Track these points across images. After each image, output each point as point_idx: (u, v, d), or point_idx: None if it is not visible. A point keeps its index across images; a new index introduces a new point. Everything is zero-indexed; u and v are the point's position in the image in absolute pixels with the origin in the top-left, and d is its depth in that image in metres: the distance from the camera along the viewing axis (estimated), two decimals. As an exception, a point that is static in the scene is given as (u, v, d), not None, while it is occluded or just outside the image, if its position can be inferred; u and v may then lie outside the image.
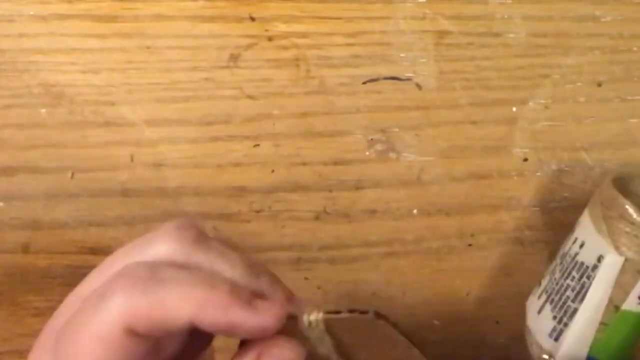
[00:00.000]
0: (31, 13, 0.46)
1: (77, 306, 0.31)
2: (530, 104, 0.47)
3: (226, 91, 0.47)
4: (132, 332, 0.28)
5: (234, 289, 0.29)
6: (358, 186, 0.47)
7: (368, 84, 0.47)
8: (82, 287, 0.32)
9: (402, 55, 0.47)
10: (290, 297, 0.32)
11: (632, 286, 0.39)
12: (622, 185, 0.41)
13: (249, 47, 0.46)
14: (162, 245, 0.31)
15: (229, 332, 0.29)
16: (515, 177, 0.47)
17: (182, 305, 0.28)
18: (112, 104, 0.46)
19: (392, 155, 0.47)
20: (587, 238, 0.40)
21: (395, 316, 0.47)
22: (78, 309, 0.30)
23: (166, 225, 0.31)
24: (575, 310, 0.40)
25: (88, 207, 0.46)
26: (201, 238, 0.31)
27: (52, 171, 0.46)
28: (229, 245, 0.32)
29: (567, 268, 0.41)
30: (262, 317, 0.29)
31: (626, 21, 0.47)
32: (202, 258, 0.30)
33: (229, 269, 0.30)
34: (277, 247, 0.47)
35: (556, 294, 0.41)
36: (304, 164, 0.47)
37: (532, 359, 0.42)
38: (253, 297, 0.30)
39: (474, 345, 0.48)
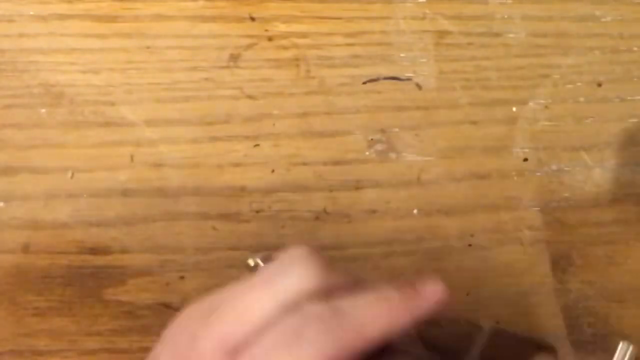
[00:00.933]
0: (31, 13, 0.46)
1: (224, 341, 0.30)
2: (530, 104, 0.47)
3: (226, 91, 0.47)
4: None
5: (396, 291, 0.30)
6: (358, 186, 0.47)
7: (368, 84, 0.47)
8: (220, 320, 0.31)
9: (402, 55, 0.47)
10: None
11: None
12: None
13: (249, 47, 0.46)
14: (303, 276, 0.30)
15: (414, 325, 0.30)
16: (515, 177, 0.47)
17: (374, 324, 0.29)
18: (112, 104, 0.46)
19: (392, 155, 0.47)
20: None
21: (395, 316, 0.47)
22: (262, 347, 0.29)
23: (296, 255, 0.31)
24: None
25: (88, 207, 0.46)
26: (327, 260, 0.31)
27: (52, 171, 0.46)
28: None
29: None
30: (434, 289, 0.30)
31: (626, 21, 0.47)
32: (338, 279, 0.31)
33: (359, 279, 0.31)
34: (277, 247, 0.47)
35: None
36: (304, 164, 0.47)
37: None
38: (409, 288, 0.30)
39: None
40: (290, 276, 0.30)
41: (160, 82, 0.46)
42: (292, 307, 0.30)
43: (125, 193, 0.47)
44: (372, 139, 0.47)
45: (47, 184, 0.46)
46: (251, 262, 0.35)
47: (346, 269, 0.32)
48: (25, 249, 0.46)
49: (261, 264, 0.35)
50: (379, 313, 0.29)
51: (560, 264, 0.47)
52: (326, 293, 0.30)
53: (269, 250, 0.47)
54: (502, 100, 0.47)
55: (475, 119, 0.47)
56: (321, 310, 0.29)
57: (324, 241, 0.47)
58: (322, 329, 0.29)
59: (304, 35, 0.46)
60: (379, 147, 0.47)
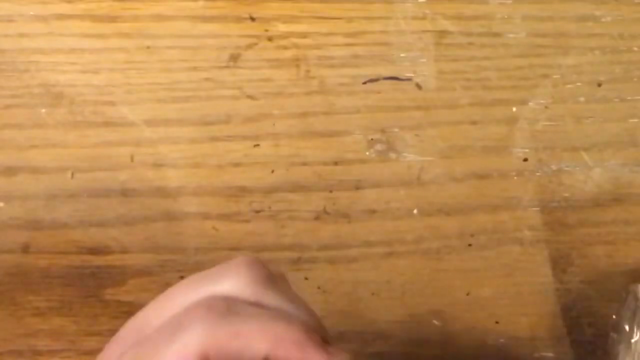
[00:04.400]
0: (31, 13, 0.46)
1: (142, 333, 0.30)
2: (530, 104, 0.47)
3: (226, 91, 0.47)
4: None
5: (309, 328, 0.30)
6: (358, 186, 0.47)
7: (368, 84, 0.47)
8: (144, 314, 0.32)
9: (402, 55, 0.47)
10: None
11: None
12: None
13: (249, 47, 0.46)
14: (232, 282, 0.31)
15: None
16: (515, 177, 0.47)
17: (260, 338, 0.29)
18: (112, 104, 0.46)
19: (392, 155, 0.47)
20: None
21: (395, 316, 0.47)
22: (150, 336, 0.30)
23: (236, 262, 0.31)
24: None
25: (88, 207, 0.46)
26: (271, 279, 0.31)
27: (52, 171, 0.46)
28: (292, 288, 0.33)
29: None
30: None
31: (626, 21, 0.47)
32: (271, 299, 0.31)
33: (297, 312, 0.31)
34: (277, 247, 0.47)
35: None
36: (304, 164, 0.47)
37: None
38: (323, 340, 0.30)
39: (474, 345, 0.48)
40: (224, 281, 0.31)
41: (160, 82, 0.46)
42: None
43: (125, 193, 0.47)
44: (372, 139, 0.47)
45: (47, 184, 0.46)
46: None
47: (290, 293, 0.32)
48: (25, 249, 0.46)
49: None
50: (272, 331, 0.29)
51: (560, 264, 0.47)
52: (238, 301, 0.30)
53: (268, 251, 0.47)
54: (502, 100, 0.47)
55: (475, 119, 0.47)
56: (220, 303, 0.29)
57: (324, 241, 0.47)
58: (209, 314, 0.29)
59: (304, 35, 0.46)
60: (379, 147, 0.47)
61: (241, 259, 0.32)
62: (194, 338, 0.29)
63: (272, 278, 0.31)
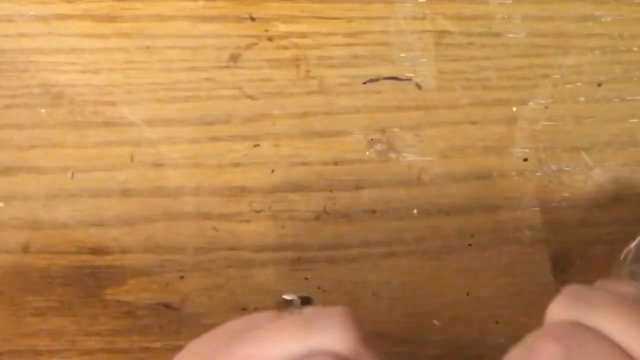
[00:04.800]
0: (31, 13, 0.46)
1: None
2: (530, 104, 0.47)
3: (226, 91, 0.47)
4: None
5: None
6: (358, 186, 0.47)
7: (368, 84, 0.47)
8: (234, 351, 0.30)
9: (402, 55, 0.47)
10: None
11: None
12: None
13: (249, 47, 0.46)
14: (332, 337, 0.29)
15: None
16: (515, 177, 0.47)
17: None
18: (112, 104, 0.46)
19: (392, 155, 0.47)
20: None
21: (395, 316, 0.47)
22: None
23: (339, 314, 0.30)
24: None
25: (88, 207, 0.46)
26: (366, 337, 0.30)
27: (52, 171, 0.46)
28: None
29: None
30: None
31: (626, 21, 0.47)
32: (365, 357, 0.30)
33: None
34: (277, 247, 0.47)
35: None
36: (304, 164, 0.47)
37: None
38: None
39: (474, 345, 0.48)
40: (326, 333, 0.29)
41: (160, 82, 0.46)
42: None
43: (125, 193, 0.47)
44: (372, 139, 0.47)
45: (47, 184, 0.46)
46: (288, 297, 0.35)
47: (377, 351, 0.31)
48: (25, 249, 0.46)
49: (298, 301, 0.34)
50: None
51: (560, 264, 0.47)
52: None
53: (268, 251, 0.47)
54: (502, 100, 0.47)
55: (475, 119, 0.47)
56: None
57: (324, 241, 0.47)
58: None
59: (304, 35, 0.46)
60: (379, 147, 0.47)
61: (342, 311, 0.30)
62: None
63: (366, 336, 0.30)
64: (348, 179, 0.47)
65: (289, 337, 0.30)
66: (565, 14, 0.47)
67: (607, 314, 0.31)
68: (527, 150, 0.47)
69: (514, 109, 0.47)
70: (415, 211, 0.47)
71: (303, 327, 0.30)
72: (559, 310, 0.32)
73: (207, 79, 0.46)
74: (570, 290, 0.32)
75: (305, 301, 0.34)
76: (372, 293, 0.48)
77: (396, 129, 0.47)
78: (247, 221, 0.47)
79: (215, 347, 0.30)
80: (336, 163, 0.47)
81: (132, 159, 0.47)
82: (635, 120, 0.47)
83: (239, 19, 0.46)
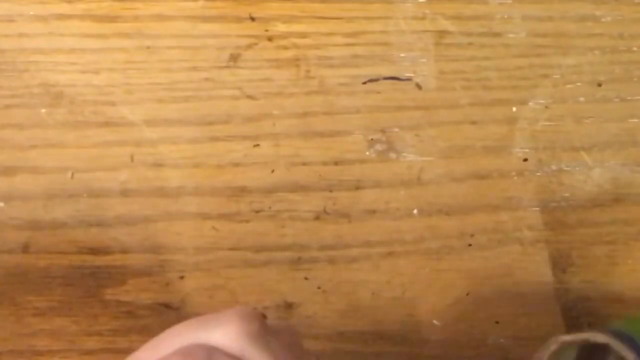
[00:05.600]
0: (31, 13, 0.46)
1: None
2: (530, 104, 0.47)
3: (226, 91, 0.47)
4: None
5: None
6: (358, 186, 0.47)
7: (368, 84, 0.47)
8: (138, 354, 0.33)
9: (402, 55, 0.47)
10: None
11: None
12: None
13: (249, 47, 0.46)
14: (222, 333, 0.31)
15: None
16: (515, 177, 0.47)
17: None
18: (112, 104, 0.46)
19: (392, 155, 0.47)
20: None
21: (395, 316, 0.47)
22: None
23: (230, 312, 0.32)
24: None
25: (88, 207, 0.47)
26: (261, 335, 0.32)
27: (52, 171, 0.46)
28: (288, 345, 0.33)
29: None
30: None
31: (626, 21, 0.47)
32: (252, 354, 0.31)
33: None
34: (277, 247, 0.47)
35: None
36: (304, 164, 0.47)
37: None
38: None
39: (474, 345, 0.48)
40: (213, 330, 0.31)
41: (160, 82, 0.46)
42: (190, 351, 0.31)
43: (125, 193, 0.47)
44: (372, 139, 0.47)
45: (47, 184, 0.46)
46: None
47: (281, 354, 0.32)
48: (25, 249, 0.46)
49: None
50: None
51: (560, 264, 0.47)
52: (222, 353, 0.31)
53: (268, 251, 0.47)
54: (502, 100, 0.47)
55: (475, 119, 0.47)
56: (201, 354, 0.30)
57: (324, 241, 0.47)
58: None
59: (304, 35, 0.46)
60: (379, 147, 0.47)
61: (237, 309, 0.32)
62: None
63: (263, 334, 0.32)
64: (348, 179, 0.47)
65: (181, 337, 0.32)
66: (565, 14, 0.47)
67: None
68: (527, 150, 0.47)
69: (514, 109, 0.47)
70: (415, 211, 0.47)
71: (196, 326, 0.32)
72: None
73: (207, 79, 0.46)
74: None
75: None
76: (372, 293, 0.48)
77: (396, 129, 0.47)
78: (247, 221, 0.47)
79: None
80: (336, 163, 0.47)
81: (132, 159, 0.47)
82: (635, 120, 0.47)
83: (239, 19, 0.46)
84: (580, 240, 0.47)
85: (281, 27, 0.46)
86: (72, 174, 0.47)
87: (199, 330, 0.31)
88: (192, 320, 0.32)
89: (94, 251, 0.47)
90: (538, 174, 0.47)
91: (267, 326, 0.32)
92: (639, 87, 0.47)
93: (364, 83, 0.47)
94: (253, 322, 0.32)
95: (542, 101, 0.47)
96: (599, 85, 0.47)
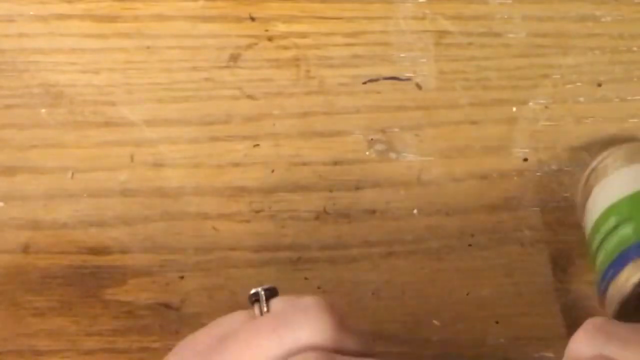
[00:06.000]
0: (31, 13, 0.46)
1: None
2: (530, 104, 0.47)
3: (226, 91, 0.47)
4: None
5: None
6: (358, 186, 0.47)
7: (368, 84, 0.47)
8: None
9: (402, 55, 0.47)
10: None
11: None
12: None
13: (249, 47, 0.46)
14: (312, 330, 0.29)
15: None
16: (515, 177, 0.47)
17: None
18: (112, 104, 0.46)
19: (392, 155, 0.47)
20: None
21: (395, 316, 0.47)
22: None
23: (312, 307, 0.30)
24: None
25: (88, 207, 0.46)
26: (344, 321, 0.30)
27: (52, 171, 0.46)
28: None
29: None
30: None
31: (626, 21, 0.47)
32: (351, 344, 0.29)
33: (372, 350, 0.30)
34: (277, 247, 0.47)
35: None
36: (304, 164, 0.47)
37: None
38: None
39: (474, 345, 0.48)
40: (301, 329, 0.29)
41: (160, 82, 0.46)
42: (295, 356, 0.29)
43: (125, 193, 0.47)
44: (372, 139, 0.47)
45: (47, 184, 0.46)
46: (253, 291, 0.34)
47: (359, 332, 0.31)
48: (25, 249, 0.46)
49: (263, 296, 0.34)
50: None
51: (560, 264, 0.47)
52: (333, 353, 0.29)
53: (268, 251, 0.47)
54: (502, 100, 0.47)
55: (475, 119, 0.47)
56: (317, 358, 0.28)
57: (324, 241, 0.47)
58: None
59: (304, 35, 0.46)
60: (379, 147, 0.47)
61: (315, 301, 0.30)
62: None
63: (344, 320, 0.30)
64: (348, 179, 0.47)
65: (265, 341, 0.29)
66: (565, 14, 0.47)
67: (630, 347, 0.30)
68: (527, 150, 0.47)
69: (514, 109, 0.47)
70: (415, 211, 0.47)
71: (277, 327, 0.30)
72: (580, 345, 0.31)
73: (207, 79, 0.46)
74: (590, 324, 0.32)
75: (270, 294, 0.33)
76: (372, 293, 0.48)
77: (396, 129, 0.47)
78: (247, 221, 0.47)
79: None
80: (336, 163, 0.47)
81: (132, 159, 0.47)
82: (635, 120, 0.47)
83: (239, 19, 0.46)
84: (580, 240, 0.47)
85: (281, 27, 0.46)
86: (72, 174, 0.47)
87: (289, 332, 0.29)
88: (269, 321, 0.30)
89: (94, 251, 0.47)
90: (538, 174, 0.47)
91: (342, 312, 0.31)
92: (639, 87, 0.47)
93: (364, 83, 0.47)
94: (338, 311, 0.30)
95: (542, 101, 0.47)
96: (599, 85, 0.47)
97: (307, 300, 0.30)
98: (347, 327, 0.30)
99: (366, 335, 0.31)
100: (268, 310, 0.31)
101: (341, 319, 0.30)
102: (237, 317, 0.32)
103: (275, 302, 0.32)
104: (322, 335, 0.29)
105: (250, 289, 0.34)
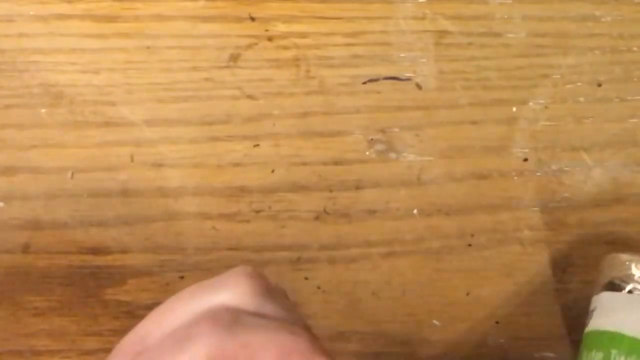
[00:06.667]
0: (31, 13, 0.46)
1: (143, 345, 0.30)
2: (530, 104, 0.47)
3: (226, 91, 0.47)
4: None
5: (314, 339, 0.29)
6: (358, 186, 0.47)
7: (368, 84, 0.47)
8: (144, 325, 0.32)
9: (402, 55, 0.47)
10: None
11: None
12: None
13: (249, 47, 0.46)
14: (232, 293, 0.30)
15: None
16: (515, 177, 0.47)
17: (267, 349, 0.28)
18: (112, 104, 0.46)
19: (392, 155, 0.47)
20: None
21: (395, 316, 0.47)
22: (154, 348, 0.30)
23: (235, 273, 0.31)
24: None
25: (88, 207, 0.46)
26: (270, 290, 0.31)
27: (52, 171, 0.46)
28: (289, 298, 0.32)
29: None
30: None
31: (626, 21, 0.47)
32: (271, 310, 0.30)
33: (297, 322, 0.30)
34: (277, 247, 0.47)
35: None
36: (304, 164, 0.47)
37: None
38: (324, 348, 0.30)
39: (474, 345, 0.48)
40: (219, 292, 0.30)
41: (160, 82, 0.46)
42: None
43: (125, 193, 0.47)
44: (372, 139, 0.47)
45: (47, 184, 0.46)
46: None
47: (289, 305, 0.32)
48: (25, 249, 0.46)
49: None
50: (280, 342, 0.29)
51: (560, 264, 0.47)
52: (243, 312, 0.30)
53: (268, 251, 0.47)
54: (502, 100, 0.47)
55: (475, 119, 0.47)
56: (226, 314, 0.29)
57: (324, 241, 0.47)
58: (216, 326, 0.29)
59: (304, 35, 0.46)
60: (379, 147, 0.47)
61: (240, 269, 0.31)
62: (201, 349, 0.28)
63: (271, 289, 0.31)
64: (348, 179, 0.47)
65: (188, 299, 0.31)
66: (565, 14, 0.47)
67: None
68: (527, 150, 0.47)
69: (514, 109, 0.47)
70: (415, 211, 0.47)
71: (196, 292, 0.31)
72: None
73: (207, 79, 0.46)
74: None
75: None
76: (372, 293, 0.48)
77: (396, 129, 0.47)
78: (247, 221, 0.47)
79: (140, 331, 0.32)
80: (336, 163, 0.47)
81: (132, 159, 0.47)
82: (635, 120, 0.47)
83: (239, 19, 0.46)
84: (580, 240, 0.47)
85: (281, 27, 0.46)
86: (72, 174, 0.47)
87: (208, 294, 0.30)
88: (193, 287, 0.31)
89: (94, 251, 0.47)
90: (538, 174, 0.47)
91: (270, 282, 0.32)
92: (639, 87, 0.47)
93: (364, 83, 0.47)
94: (261, 279, 0.31)
95: (542, 101, 0.47)
96: (599, 85, 0.47)
97: (235, 269, 0.31)
98: (272, 296, 0.31)
99: (297, 309, 0.31)
100: None
101: (266, 287, 0.31)
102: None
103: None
104: (239, 298, 0.30)
105: None
